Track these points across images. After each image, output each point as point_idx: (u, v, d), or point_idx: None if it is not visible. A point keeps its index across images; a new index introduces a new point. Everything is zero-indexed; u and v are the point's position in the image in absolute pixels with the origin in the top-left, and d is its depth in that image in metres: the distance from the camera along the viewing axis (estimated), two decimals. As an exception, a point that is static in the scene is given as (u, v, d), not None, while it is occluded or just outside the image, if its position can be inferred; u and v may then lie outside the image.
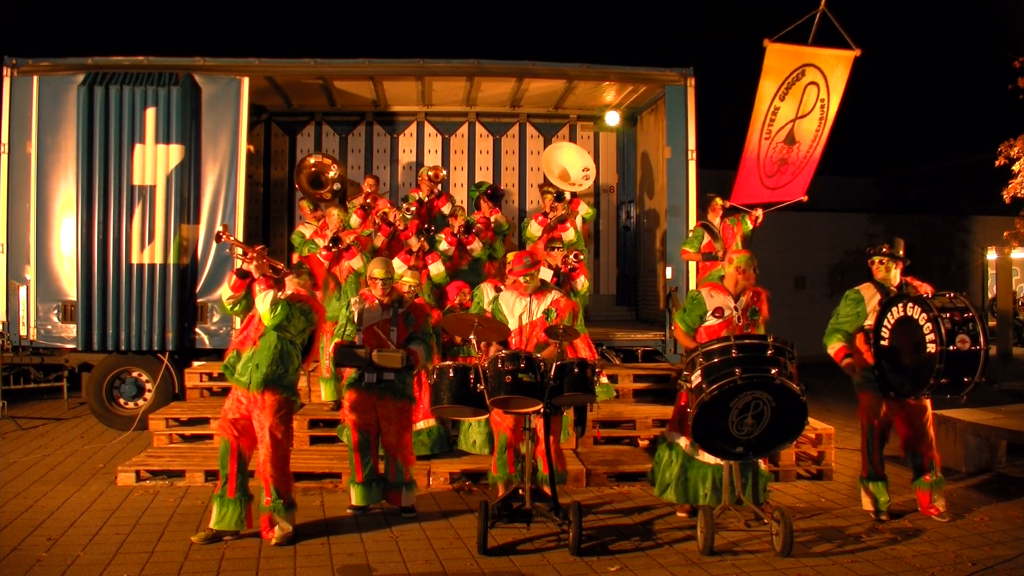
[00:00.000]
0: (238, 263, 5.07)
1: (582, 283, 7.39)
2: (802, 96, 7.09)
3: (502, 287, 6.19)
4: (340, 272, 7.40)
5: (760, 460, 5.26)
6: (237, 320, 5.39)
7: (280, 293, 4.94)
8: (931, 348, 5.00)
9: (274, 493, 5.00)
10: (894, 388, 5.37)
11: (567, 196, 8.54)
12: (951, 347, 4.93)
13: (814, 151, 7.39)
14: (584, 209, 8.63)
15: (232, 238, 5.33)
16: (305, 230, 8.36)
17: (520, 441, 5.87)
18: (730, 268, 5.49)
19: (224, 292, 5.16)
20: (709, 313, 5.40)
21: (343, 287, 7.40)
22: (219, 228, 5.37)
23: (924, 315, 5.06)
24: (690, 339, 5.47)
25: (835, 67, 7.02)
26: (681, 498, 5.41)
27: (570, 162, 9.00)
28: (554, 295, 5.91)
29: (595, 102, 10.17)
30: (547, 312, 5.80)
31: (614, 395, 7.72)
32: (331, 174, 9.22)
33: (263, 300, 4.88)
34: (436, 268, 7.48)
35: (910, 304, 5.19)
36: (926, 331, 5.03)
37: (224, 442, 5.05)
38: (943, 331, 4.93)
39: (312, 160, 9.27)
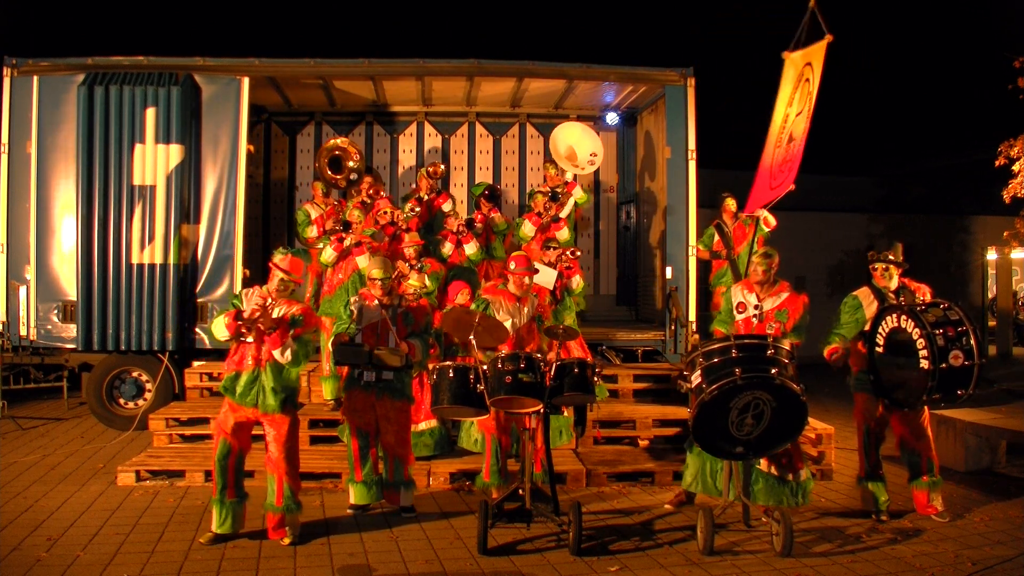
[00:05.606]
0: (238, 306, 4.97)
1: (577, 282, 7.36)
2: (806, 96, 7.06)
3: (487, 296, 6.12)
4: (345, 268, 7.39)
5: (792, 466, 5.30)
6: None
7: (291, 343, 4.89)
8: (924, 364, 4.99)
9: (288, 492, 5.04)
10: (888, 397, 5.38)
11: (567, 178, 8.51)
12: (943, 364, 4.91)
13: (802, 141, 7.38)
14: (579, 193, 8.56)
15: (248, 318, 4.89)
16: (312, 210, 8.32)
17: (511, 446, 5.90)
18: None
19: (219, 330, 4.94)
20: (734, 307, 5.55)
21: (346, 284, 7.38)
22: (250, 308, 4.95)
23: (918, 330, 5.02)
24: None
25: (820, 58, 7.03)
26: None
27: (580, 143, 8.85)
28: (536, 299, 6.05)
29: (595, 102, 10.16)
30: (537, 318, 5.96)
31: (606, 395, 7.67)
32: (351, 163, 9.06)
33: (282, 354, 4.88)
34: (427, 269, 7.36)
35: (903, 316, 5.17)
36: (919, 346, 5.01)
37: (223, 444, 5.01)
38: (936, 348, 4.91)
39: (337, 143, 9.13)
